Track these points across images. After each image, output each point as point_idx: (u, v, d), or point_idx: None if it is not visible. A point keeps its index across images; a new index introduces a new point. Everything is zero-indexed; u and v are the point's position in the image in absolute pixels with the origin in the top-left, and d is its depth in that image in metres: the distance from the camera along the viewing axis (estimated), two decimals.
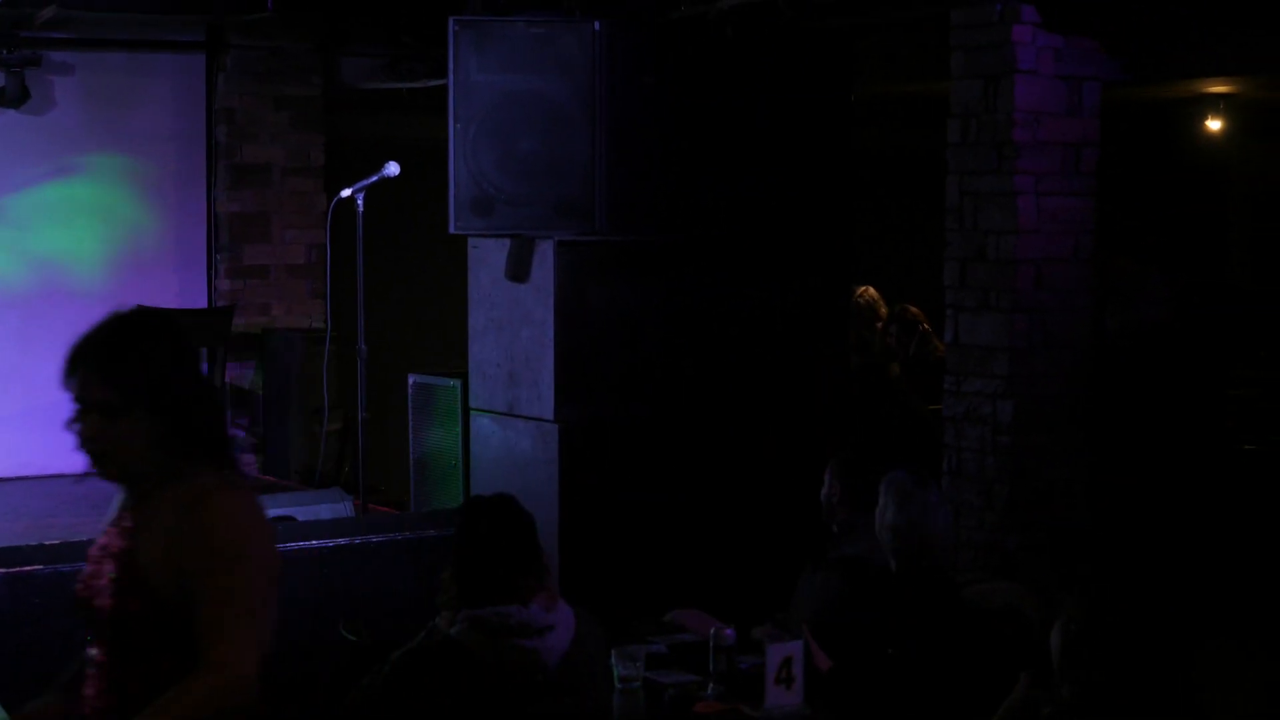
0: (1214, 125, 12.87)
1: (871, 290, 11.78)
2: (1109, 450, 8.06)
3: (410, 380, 9.46)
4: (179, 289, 11.24)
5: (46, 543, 7.14)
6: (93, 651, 3.71)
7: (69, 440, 3.63)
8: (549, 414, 7.81)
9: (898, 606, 5.69)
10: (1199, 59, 7.70)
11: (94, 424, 3.62)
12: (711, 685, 5.62)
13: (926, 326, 9.90)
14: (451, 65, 7.62)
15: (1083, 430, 7.65)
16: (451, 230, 7.79)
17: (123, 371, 3.60)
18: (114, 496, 3.97)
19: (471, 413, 8.48)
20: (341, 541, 7.16)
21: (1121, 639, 4.10)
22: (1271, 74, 9.36)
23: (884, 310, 12.08)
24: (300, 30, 11.04)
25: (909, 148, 11.27)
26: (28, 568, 6.65)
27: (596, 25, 7.62)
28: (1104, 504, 7.94)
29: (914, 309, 10.71)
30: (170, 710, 3.41)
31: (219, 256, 11.37)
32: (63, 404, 3.39)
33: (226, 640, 3.49)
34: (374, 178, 8.13)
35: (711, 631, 5.83)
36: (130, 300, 10.41)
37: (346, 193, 8.22)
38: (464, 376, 8.62)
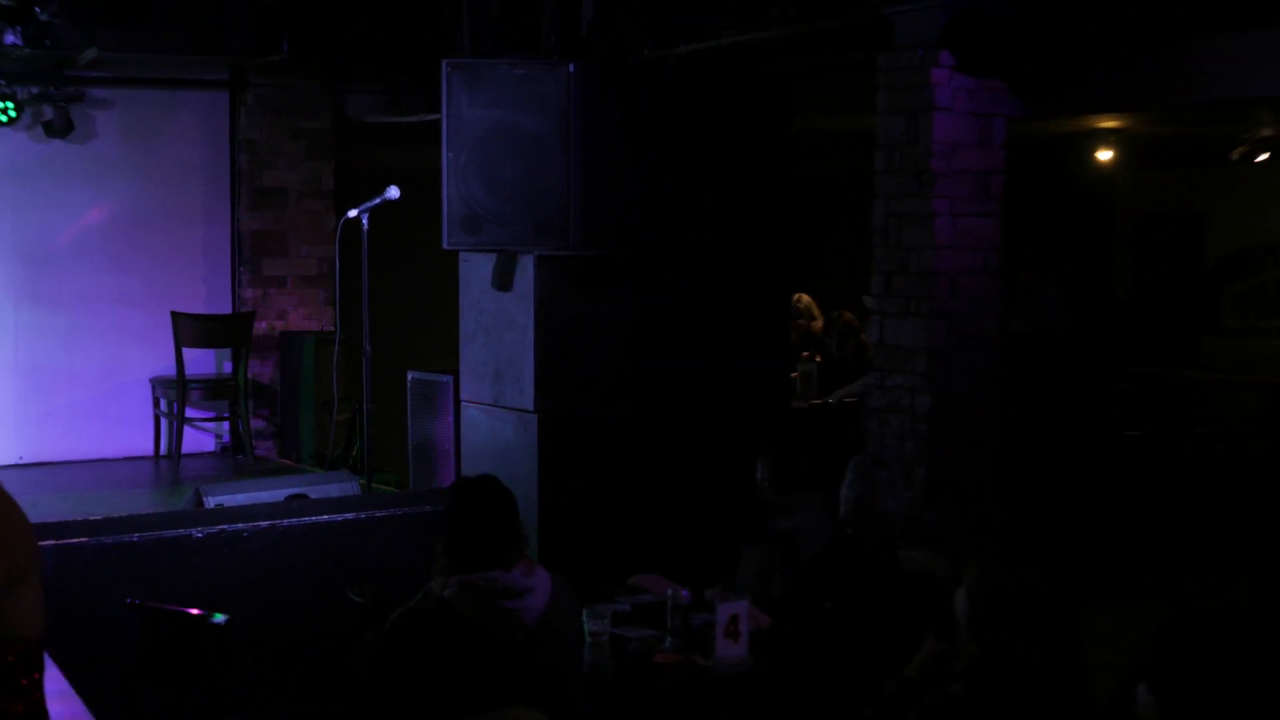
0: (1103, 156, 12.92)
1: (806, 296, 11.82)
2: (1014, 436, 8.10)
3: (409, 376, 9.45)
4: (206, 296, 11.25)
5: (91, 518, 7.13)
6: None
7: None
8: (529, 406, 7.82)
9: (824, 571, 5.72)
10: (1090, 99, 7.74)
11: None
12: (669, 639, 5.63)
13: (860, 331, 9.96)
14: (444, 102, 7.62)
15: (991, 419, 7.67)
16: (445, 246, 7.79)
17: None
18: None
19: (462, 404, 8.49)
20: (349, 516, 7.15)
21: (1019, 602, 4.11)
22: (1151, 112, 9.41)
23: (818, 314, 12.12)
24: (312, 71, 11.01)
25: (842, 175, 11.30)
26: (74, 540, 6.63)
27: (571, 68, 7.63)
28: (1009, 483, 7.98)
29: (848, 314, 10.77)
30: None
31: (242, 268, 11.36)
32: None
33: None
34: (377, 200, 8.12)
35: (669, 593, 5.86)
36: (164, 305, 10.56)
37: (353, 213, 8.20)
38: (456, 373, 8.62)
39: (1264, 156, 12.37)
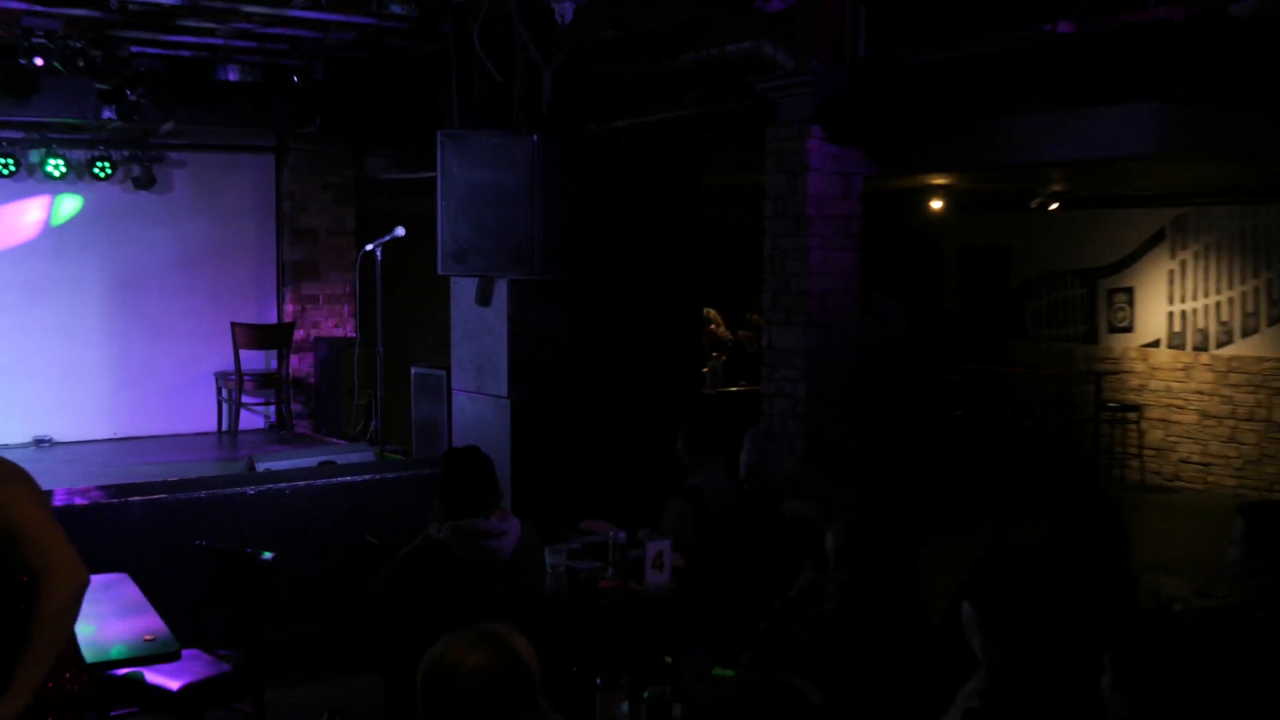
0: (935, 204, 13.03)
1: (713, 310, 11.86)
2: (870, 416, 8.15)
3: (413, 371, 9.43)
4: (257, 310, 11.26)
5: (168, 479, 7.06)
6: None
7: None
8: (504, 393, 7.81)
9: (728, 520, 5.73)
10: (924, 163, 7.80)
11: None
12: (610, 569, 5.63)
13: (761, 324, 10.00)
14: (439, 163, 7.60)
15: (853, 404, 7.72)
16: (439, 272, 7.77)
17: None
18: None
19: (453, 392, 8.47)
20: (366, 478, 7.11)
21: (873, 541, 4.11)
22: (969, 172, 9.48)
23: (722, 324, 12.16)
24: (338, 139, 11.02)
25: (742, 219, 11.34)
26: (156, 496, 6.57)
27: (535, 138, 7.62)
28: (866, 451, 8.03)
29: (756, 316, 10.79)
30: (55, 613, 3.07)
31: (285, 289, 11.34)
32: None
33: (59, 551, 3.14)
34: (387, 237, 8.09)
35: (610, 534, 5.85)
36: (224, 317, 10.55)
37: (369, 247, 8.17)
38: (448, 369, 8.61)
39: (1054, 205, 12.50)
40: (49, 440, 10.25)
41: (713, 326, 11.84)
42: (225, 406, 10.83)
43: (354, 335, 10.78)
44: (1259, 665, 3.61)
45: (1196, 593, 4.76)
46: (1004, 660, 3.19)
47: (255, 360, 10.88)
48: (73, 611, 3.14)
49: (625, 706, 3.77)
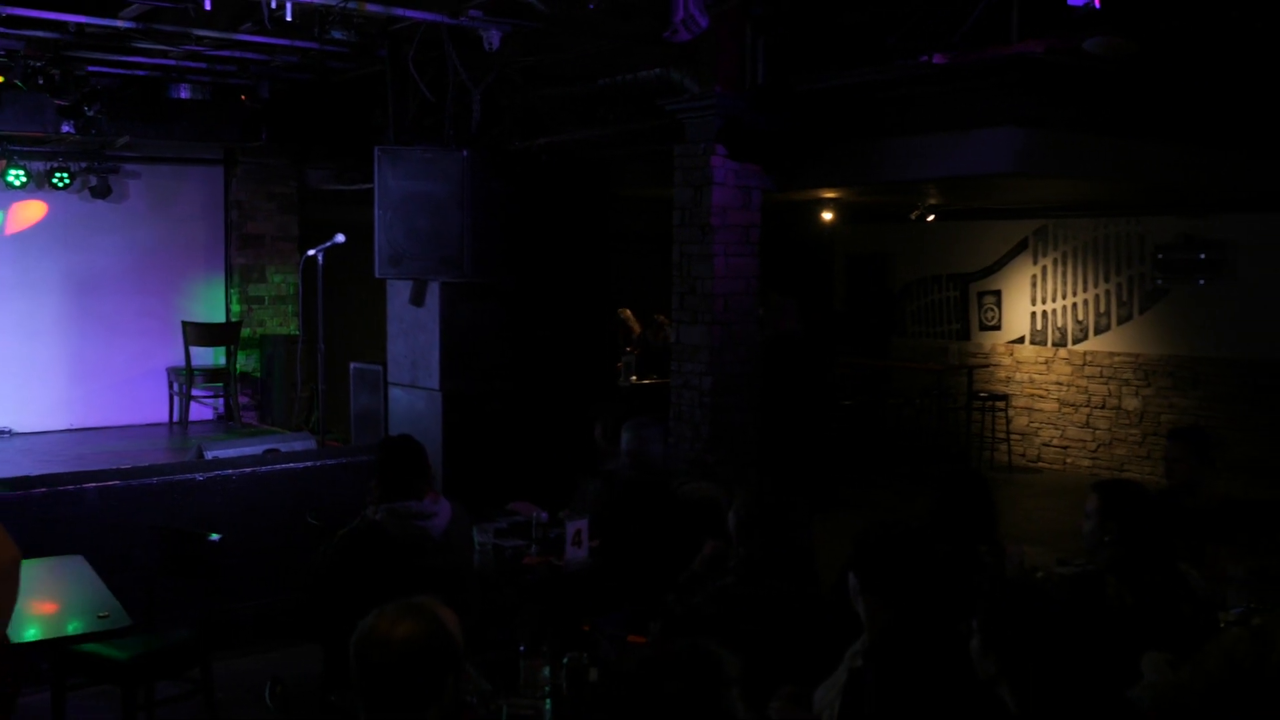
0: (826, 215, 13.13)
1: (627, 310, 11.86)
2: (769, 405, 8.19)
3: (352, 366, 9.32)
4: (207, 311, 11.08)
5: (122, 467, 6.90)
6: None
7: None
8: (436, 386, 7.74)
9: (618, 502, 5.71)
10: (816, 178, 7.86)
11: None
12: (534, 546, 5.60)
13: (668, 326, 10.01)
14: (376, 175, 7.51)
15: (753, 394, 7.76)
16: (377, 275, 7.69)
17: None
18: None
19: (389, 385, 8.37)
20: (309, 464, 7.01)
21: (772, 517, 4.12)
22: (855, 187, 9.57)
23: (635, 322, 12.16)
24: (283, 152, 10.92)
25: (653, 227, 11.34)
26: (110, 482, 6.42)
27: (465, 153, 7.55)
28: (766, 436, 8.07)
29: (663, 316, 10.79)
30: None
31: (232, 291, 11.18)
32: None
33: None
34: (328, 243, 7.97)
35: (534, 514, 5.83)
36: (175, 316, 10.36)
37: (311, 252, 8.04)
38: (385, 364, 8.51)
39: (931, 217, 12.67)
40: (9, 431, 10.02)
41: (626, 325, 11.84)
42: (176, 399, 10.65)
43: (298, 333, 10.62)
44: (1109, 625, 3.68)
45: (1057, 561, 4.85)
46: (884, 623, 3.21)
47: (205, 356, 10.73)
48: (7, 583, 3.05)
49: (546, 672, 3.75)
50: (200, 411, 10.81)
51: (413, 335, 7.99)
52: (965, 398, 12.62)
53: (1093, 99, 6.89)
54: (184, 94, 9.66)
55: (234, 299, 11.18)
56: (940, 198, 11.50)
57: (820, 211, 12.96)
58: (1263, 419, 11.19)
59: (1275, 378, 11.15)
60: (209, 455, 7.41)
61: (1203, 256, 11.60)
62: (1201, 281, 11.62)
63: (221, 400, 10.90)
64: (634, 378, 10.97)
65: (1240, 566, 4.49)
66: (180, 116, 9.72)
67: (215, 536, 5.32)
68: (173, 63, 8.86)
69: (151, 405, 10.73)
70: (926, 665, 3.08)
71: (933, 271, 13.97)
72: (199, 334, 10.47)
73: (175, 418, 10.61)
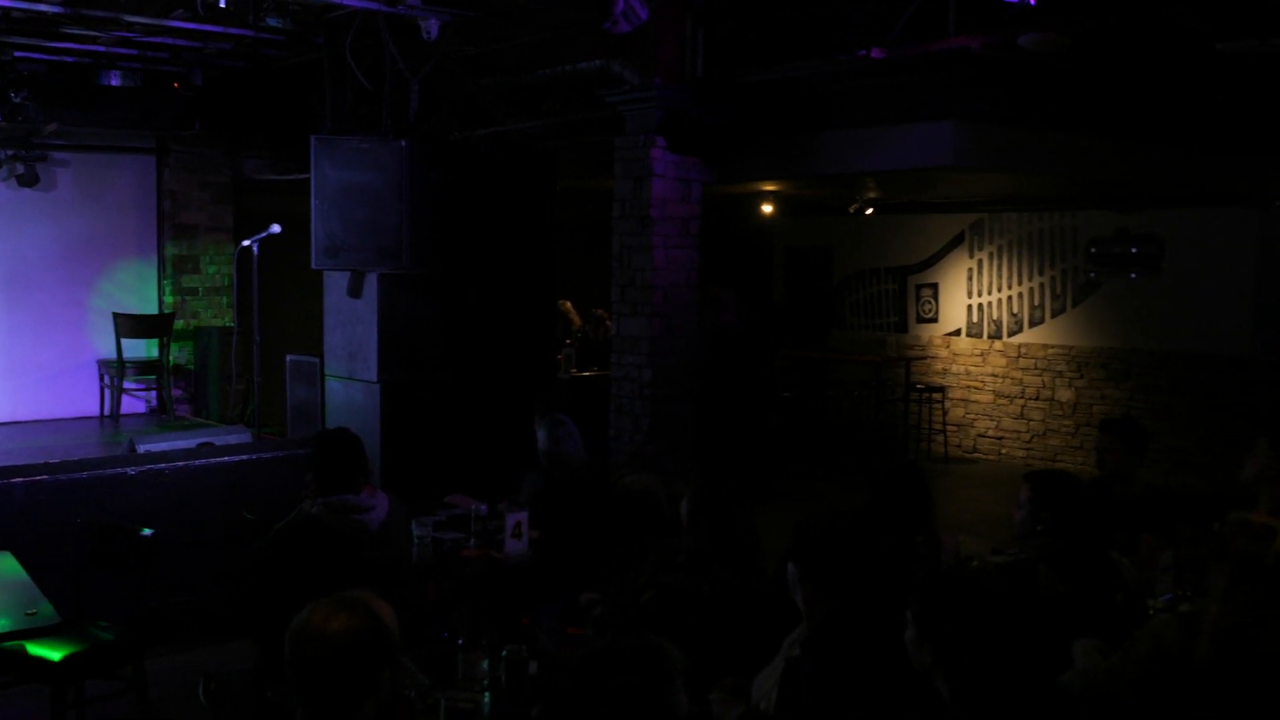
0: (766, 208, 13.20)
1: (568, 302, 11.84)
2: (708, 398, 8.23)
3: (288, 358, 9.22)
4: (139, 302, 10.89)
5: (52, 461, 6.77)
6: None
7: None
8: (374, 378, 7.67)
9: (537, 501, 5.71)
10: (755, 171, 7.89)
11: None
12: (473, 539, 5.59)
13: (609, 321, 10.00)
14: (312, 165, 7.43)
15: (692, 385, 7.79)
16: (313, 266, 7.60)
17: None
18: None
19: (326, 378, 8.29)
20: (243, 458, 6.92)
21: (721, 508, 4.13)
22: (795, 180, 9.63)
23: (576, 315, 12.15)
24: (217, 141, 10.76)
25: (593, 219, 11.32)
26: (40, 477, 6.30)
27: (403, 143, 7.49)
28: (706, 428, 8.11)
29: (602, 310, 10.79)
30: None
31: (165, 281, 11.02)
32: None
33: None
34: (263, 234, 7.88)
35: (472, 507, 5.81)
36: (107, 308, 10.21)
37: (246, 243, 7.95)
38: (322, 356, 8.42)
39: (870, 210, 12.77)
40: None
41: (566, 317, 11.82)
42: (107, 392, 10.46)
43: (233, 325, 10.49)
44: (1041, 613, 3.74)
45: (991, 551, 4.92)
46: (822, 613, 3.24)
47: (137, 348, 10.55)
48: None
49: (485, 665, 3.74)
50: (132, 405, 10.63)
51: (350, 327, 7.92)
52: (903, 389, 12.76)
53: (1030, 95, 6.99)
54: (114, 81, 9.49)
55: (167, 290, 11.02)
56: (879, 191, 11.59)
57: (760, 204, 13.02)
58: (1191, 410, 11.43)
59: (1202, 370, 11.39)
60: (141, 449, 7.28)
61: (1134, 251, 11.81)
62: (1133, 275, 11.83)
63: (154, 393, 10.73)
64: (574, 370, 10.97)
65: (1169, 554, 4.59)
66: (111, 104, 9.53)
67: (147, 532, 5.24)
68: (103, 49, 8.70)
69: (82, 398, 10.53)
70: (863, 655, 3.11)
71: (871, 264, 14.09)
72: (131, 326, 10.30)
73: (106, 411, 10.43)
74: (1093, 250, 12.12)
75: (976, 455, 13.02)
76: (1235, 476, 4.94)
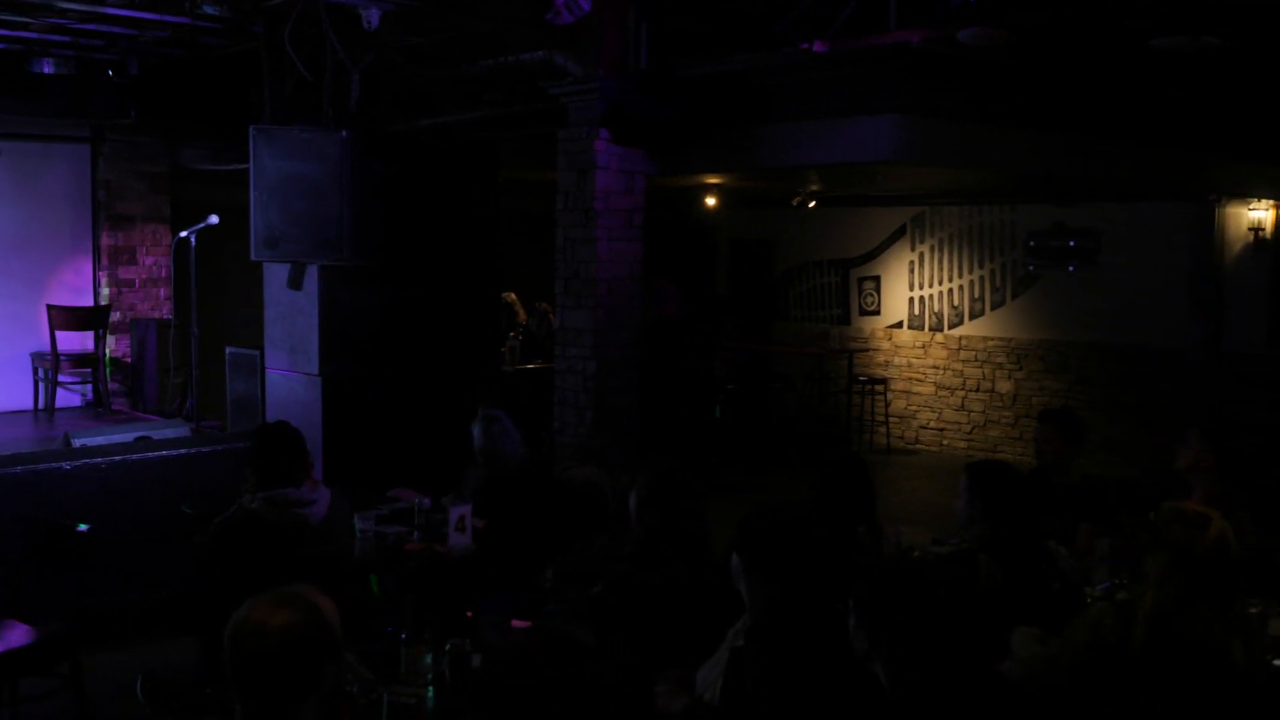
0: (709, 201, 13.23)
1: (512, 294, 11.81)
2: (650, 390, 8.24)
3: (227, 350, 9.11)
4: (74, 293, 10.73)
5: None
6: None
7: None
8: (315, 370, 7.60)
9: (480, 496, 5.70)
10: (698, 164, 7.91)
11: None
12: (416, 533, 5.55)
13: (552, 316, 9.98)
14: (251, 155, 7.33)
15: (635, 377, 7.80)
16: (253, 258, 7.50)
17: None
18: None
19: (266, 371, 8.20)
20: (183, 451, 6.82)
21: (669, 499, 4.12)
22: (738, 173, 9.66)
23: (521, 307, 12.12)
24: (153, 131, 10.59)
25: (537, 211, 11.27)
26: None
27: (344, 134, 7.42)
28: (649, 420, 8.12)
29: (546, 304, 10.76)
30: None
31: (101, 273, 10.85)
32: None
33: None
34: (201, 225, 7.78)
35: (416, 500, 5.78)
36: (40, 300, 10.01)
37: (184, 234, 7.84)
38: (262, 348, 8.32)
39: (813, 203, 12.85)
40: None
41: (511, 310, 11.79)
42: (41, 386, 10.28)
43: (170, 317, 10.34)
44: (981, 601, 3.79)
45: (933, 540, 4.98)
46: (766, 603, 3.26)
47: (72, 341, 10.37)
48: None
49: (428, 659, 3.72)
50: (68, 398, 10.46)
51: (291, 319, 7.83)
52: (846, 381, 12.86)
53: (970, 90, 7.06)
54: (47, 69, 9.30)
55: (102, 282, 10.85)
56: (821, 184, 11.66)
57: (704, 197, 13.06)
58: (1127, 401, 11.63)
59: (1138, 362, 11.59)
60: (77, 443, 7.16)
61: (1072, 244, 11.98)
62: (1071, 268, 12.00)
63: (90, 386, 10.57)
64: (519, 363, 10.94)
65: (1106, 544, 4.67)
66: (43, 92, 9.35)
67: (84, 527, 5.16)
68: (35, 35, 8.52)
69: (15, 392, 10.34)
70: (805, 644, 3.14)
71: (814, 257, 14.18)
72: (65, 318, 10.12)
73: (41, 405, 10.25)
74: (1031, 243, 12.28)
75: (919, 446, 13.16)
76: (1170, 467, 5.04)
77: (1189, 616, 3.07)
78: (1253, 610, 3.98)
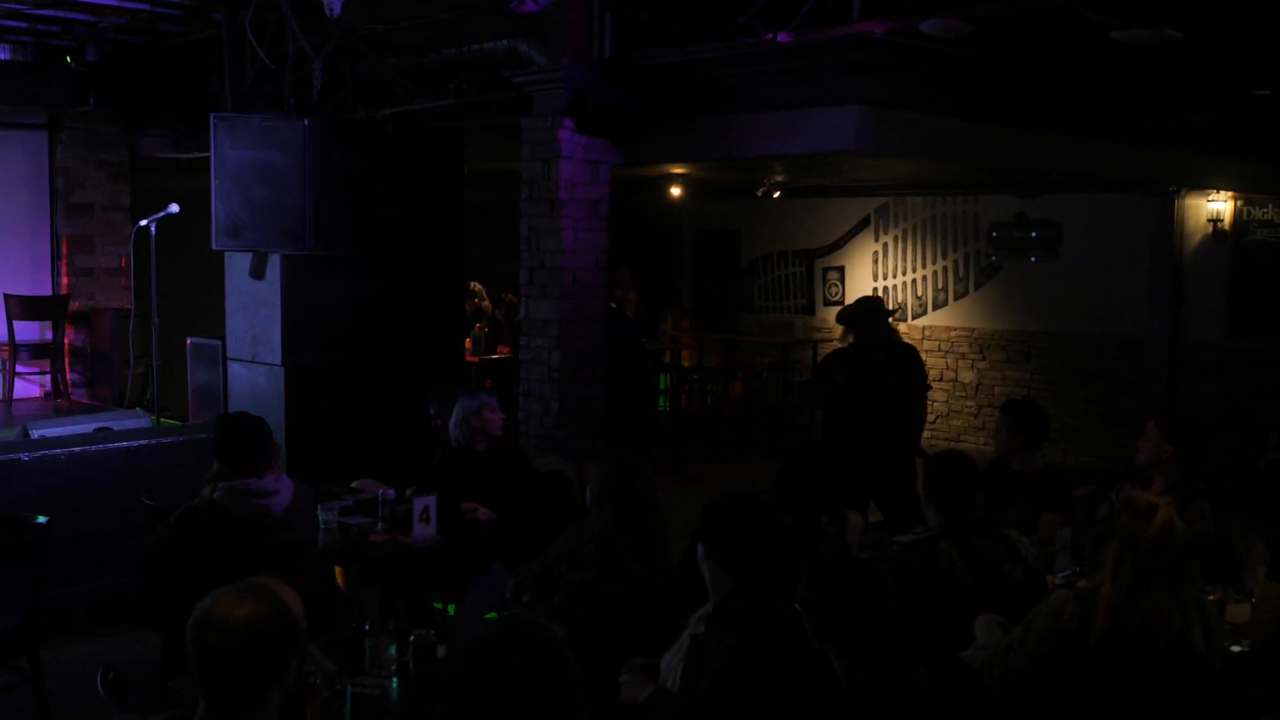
0: (675, 191, 13.23)
1: (478, 284, 11.77)
2: (614, 379, 8.24)
3: (189, 341, 9.04)
4: (32, 283, 10.60)
5: None
6: None
7: None
8: (278, 361, 7.54)
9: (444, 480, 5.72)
10: (663, 154, 7.91)
11: None
12: (380, 524, 5.54)
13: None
14: (212, 143, 7.26)
15: (601, 368, 7.79)
16: (214, 247, 7.43)
17: None
18: None
19: (229, 361, 8.13)
20: (142, 442, 6.76)
21: (627, 488, 4.12)
22: (702, 163, 9.66)
23: (485, 296, 12.07)
24: (112, 118, 10.49)
25: (501, 201, 11.22)
26: None
27: (306, 122, 7.36)
28: (613, 409, 8.12)
29: (512, 296, 10.72)
30: None
31: (59, 262, 10.72)
32: None
33: None
34: (161, 214, 7.69)
35: (380, 491, 5.76)
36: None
37: (144, 223, 7.75)
38: (224, 339, 8.26)
39: (777, 194, 12.88)
40: None
41: (477, 300, 11.75)
42: (0, 376, 10.15)
43: (130, 307, 10.25)
44: (943, 589, 3.83)
45: (897, 530, 5.02)
46: (727, 590, 3.28)
47: (31, 331, 10.25)
48: None
49: (393, 650, 3.71)
50: (26, 389, 10.33)
51: (253, 309, 7.77)
52: (810, 372, 12.90)
53: (933, 81, 7.10)
54: (3, 55, 9.20)
55: (61, 271, 10.72)
56: (786, 175, 11.69)
57: (669, 187, 13.06)
58: (1087, 391, 11.75)
59: (1099, 352, 11.71)
60: (35, 434, 7.07)
61: (1034, 235, 12.09)
62: (1033, 259, 12.11)
63: (49, 377, 10.45)
64: (483, 353, 10.92)
65: (1066, 532, 4.72)
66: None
67: (43, 519, 5.10)
68: None
69: None
70: (765, 630, 3.16)
71: (779, 247, 14.22)
72: (23, 308, 10.00)
73: None
74: (994, 234, 12.37)
75: None
76: (1131, 456, 5.09)
77: (1144, 603, 3.11)
78: (1212, 597, 4.04)
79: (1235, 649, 3.86)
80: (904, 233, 13.12)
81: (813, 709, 3.00)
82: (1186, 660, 3.15)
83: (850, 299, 13.52)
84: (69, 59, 9.35)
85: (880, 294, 13.27)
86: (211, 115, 7.32)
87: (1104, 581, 3.18)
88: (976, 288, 12.48)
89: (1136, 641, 3.09)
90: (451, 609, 5.10)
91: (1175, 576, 3.11)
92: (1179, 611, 3.10)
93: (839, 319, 6.93)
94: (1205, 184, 10.24)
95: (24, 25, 8.61)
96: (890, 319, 7.01)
